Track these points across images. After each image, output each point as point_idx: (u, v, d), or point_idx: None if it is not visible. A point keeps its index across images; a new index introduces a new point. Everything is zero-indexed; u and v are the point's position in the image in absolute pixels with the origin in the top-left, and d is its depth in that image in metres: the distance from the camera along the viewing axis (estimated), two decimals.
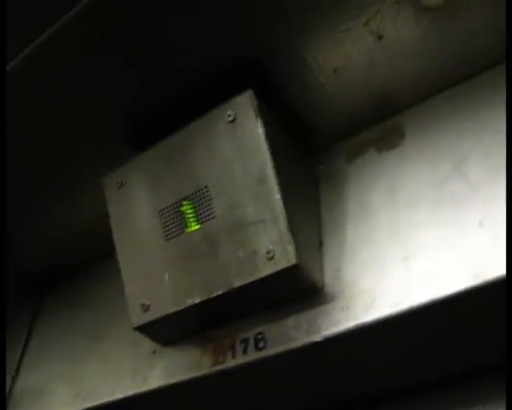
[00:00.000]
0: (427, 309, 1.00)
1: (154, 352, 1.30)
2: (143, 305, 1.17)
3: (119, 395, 1.31)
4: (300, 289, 1.10)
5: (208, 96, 1.15)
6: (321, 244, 1.17)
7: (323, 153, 1.29)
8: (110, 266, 1.27)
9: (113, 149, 1.28)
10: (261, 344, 1.13)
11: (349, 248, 1.14)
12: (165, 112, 1.22)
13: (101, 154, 1.29)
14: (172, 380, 1.24)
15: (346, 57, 1.13)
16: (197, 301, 1.10)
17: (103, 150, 1.29)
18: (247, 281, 1.06)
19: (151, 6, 1.03)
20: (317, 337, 1.07)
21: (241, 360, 1.15)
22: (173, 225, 1.15)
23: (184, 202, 1.14)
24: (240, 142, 1.09)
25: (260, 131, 1.07)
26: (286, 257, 1.02)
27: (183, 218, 1.14)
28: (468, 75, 1.16)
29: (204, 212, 1.12)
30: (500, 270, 0.96)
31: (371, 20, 1.08)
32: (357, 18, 1.07)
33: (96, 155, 1.30)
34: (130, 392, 1.29)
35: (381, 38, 1.11)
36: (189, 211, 1.14)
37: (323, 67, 1.14)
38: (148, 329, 1.20)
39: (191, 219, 1.13)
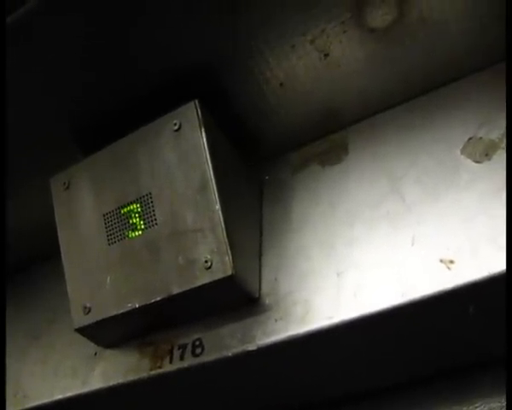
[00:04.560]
0: (358, 324, 1.03)
1: (96, 354, 1.30)
2: (85, 307, 1.18)
3: (58, 396, 1.31)
4: (237, 298, 1.12)
5: (157, 104, 1.16)
6: (260, 255, 1.19)
7: (270, 164, 1.31)
8: (56, 265, 1.26)
9: (61, 150, 1.27)
10: (198, 350, 1.15)
11: (287, 260, 1.16)
12: (114, 117, 1.22)
13: (49, 154, 1.28)
14: (111, 383, 1.24)
15: (293, 72, 1.15)
16: (137, 305, 1.12)
17: (52, 151, 1.28)
18: (186, 289, 1.07)
19: (101, 10, 1.03)
20: (251, 346, 1.09)
21: (178, 365, 1.16)
22: (116, 230, 1.16)
23: (128, 208, 1.15)
24: (183, 151, 1.10)
25: (203, 140, 1.08)
26: (222, 267, 1.04)
27: (126, 223, 1.15)
28: (410, 96, 1.19)
29: (146, 218, 1.13)
30: (427, 289, 0.99)
31: (317, 38, 1.10)
32: (304, 35, 1.09)
33: (45, 156, 1.29)
34: (69, 393, 1.30)
35: (326, 55, 1.13)
36: (132, 217, 1.14)
37: (270, 80, 1.16)
38: (89, 331, 1.20)
39: (134, 225, 1.14)
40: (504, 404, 1.11)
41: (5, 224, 1.42)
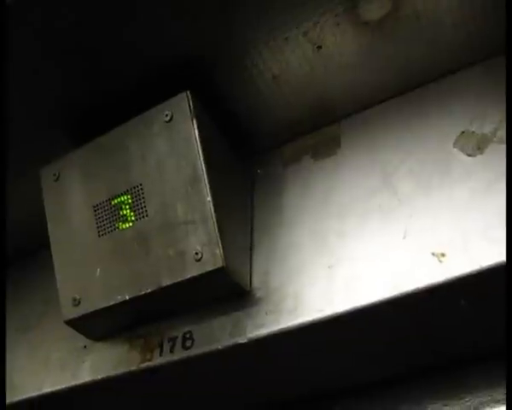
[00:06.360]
0: (349, 316, 1.03)
1: (85, 347, 1.29)
2: (75, 299, 1.17)
3: (47, 389, 1.30)
4: (228, 290, 1.12)
5: (149, 95, 1.15)
6: (251, 248, 1.19)
7: (262, 157, 1.30)
8: (46, 257, 1.25)
9: (52, 141, 1.26)
10: (188, 343, 1.15)
11: (279, 253, 1.16)
12: (105, 107, 1.21)
13: (40, 146, 1.27)
14: (101, 375, 1.24)
15: (286, 65, 1.14)
16: (127, 297, 1.11)
17: (42, 142, 1.27)
18: (176, 280, 1.07)
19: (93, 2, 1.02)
20: (241, 339, 1.09)
21: (168, 358, 1.16)
22: (106, 221, 1.15)
23: (118, 199, 1.14)
24: (174, 142, 1.09)
25: (195, 132, 1.08)
26: (213, 259, 1.03)
27: (117, 215, 1.14)
28: (404, 90, 1.19)
29: (137, 210, 1.12)
30: (418, 282, 0.99)
31: (310, 30, 1.09)
32: (297, 28, 1.08)
33: (35, 147, 1.27)
34: (58, 386, 1.29)
35: (319, 48, 1.12)
36: (123, 208, 1.14)
37: (263, 72, 1.15)
38: (78, 323, 1.19)
39: (124, 217, 1.13)
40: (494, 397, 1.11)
41: (5, 223, 1.42)
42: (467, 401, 1.15)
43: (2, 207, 1.38)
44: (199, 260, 1.04)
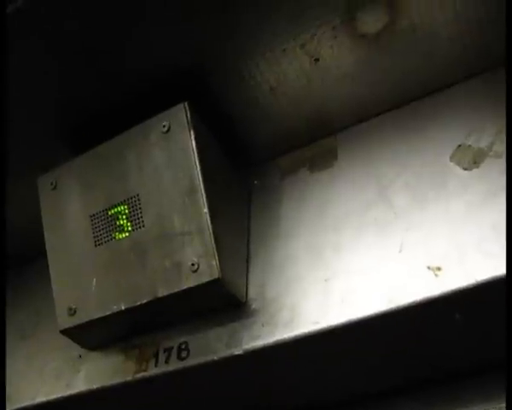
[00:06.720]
0: (344, 329, 1.03)
1: (80, 356, 1.29)
2: (70, 308, 1.17)
3: (42, 399, 1.29)
4: (224, 302, 1.12)
5: (148, 105, 1.15)
6: (248, 259, 1.19)
7: (259, 169, 1.30)
8: (43, 266, 1.25)
9: (51, 149, 1.26)
10: (184, 354, 1.15)
11: (275, 265, 1.16)
12: (104, 117, 1.21)
13: (38, 154, 1.27)
14: (96, 385, 1.23)
15: (283, 77, 1.15)
16: (122, 308, 1.11)
17: (41, 151, 1.27)
18: (172, 291, 1.07)
19: (94, 12, 1.02)
20: (237, 351, 1.09)
21: (163, 368, 1.16)
22: (103, 231, 1.15)
23: (115, 210, 1.14)
24: (172, 153, 1.10)
25: (192, 143, 1.08)
26: (209, 271, 1.04)
27: (113, 225, 1.14)
28: (400, 103, 1.20)
29: (134, 220, 1.12)
30: (414, 296, 0.99)
31: (308, 42, 1.10)
32: (294, 39, 1.09)
33: (33, 156, 1.27)
34: (52, 396, 1.28)
35: (317, 60, 1.13)
36: (119, 218, 1.14)
37: (260, 84, 1.16)
38: (73, 333, 1.19)
39: (121, 227, 1.13)
40: None
41: (5, 229, 1.42)
42: None
43: (2, 214, 1.38)
44: (195, 271, 1.05)
